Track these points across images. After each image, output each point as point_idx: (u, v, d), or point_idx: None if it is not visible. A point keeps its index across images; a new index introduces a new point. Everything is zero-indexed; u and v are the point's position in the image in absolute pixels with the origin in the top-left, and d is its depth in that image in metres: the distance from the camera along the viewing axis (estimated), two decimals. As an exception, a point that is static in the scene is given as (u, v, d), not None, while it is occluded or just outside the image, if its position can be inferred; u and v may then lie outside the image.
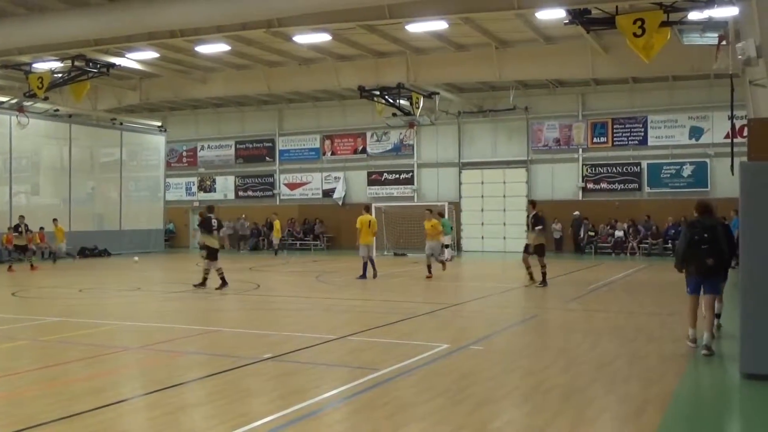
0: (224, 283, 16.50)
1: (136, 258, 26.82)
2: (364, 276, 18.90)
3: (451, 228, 27.06)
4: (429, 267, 19.44)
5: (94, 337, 10.62)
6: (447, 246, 25.28)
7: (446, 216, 26.78)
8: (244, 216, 35.57)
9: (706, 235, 8.93)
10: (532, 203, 18.41)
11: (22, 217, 24.56)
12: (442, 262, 20.38)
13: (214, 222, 16.76)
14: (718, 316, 10.36)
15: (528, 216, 17.77)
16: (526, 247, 17.41)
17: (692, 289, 9.34)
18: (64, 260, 27.36)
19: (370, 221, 19.13)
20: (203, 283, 16.50)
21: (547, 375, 7.99)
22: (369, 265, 19.01)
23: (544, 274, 17.03)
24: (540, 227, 17.10)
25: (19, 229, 24.20)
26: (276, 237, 30.61)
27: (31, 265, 23.65)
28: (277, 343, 9.91)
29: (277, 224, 30.51)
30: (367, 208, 19.92)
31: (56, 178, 30.60)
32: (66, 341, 10.22)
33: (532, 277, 17.12)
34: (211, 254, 16.59)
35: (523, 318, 12.85)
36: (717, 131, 28.78)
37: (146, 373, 8.43)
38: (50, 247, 27.47)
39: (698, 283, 9.25)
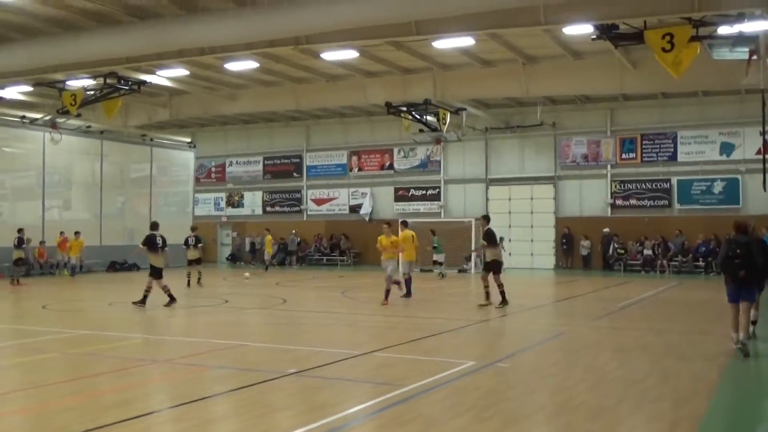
0: (172, 299, 16.15)
1: (247, 274, 26.30)
2: (409, 293, 17.81)
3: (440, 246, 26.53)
4: (387, 292, 16.71)
5: (122, 350, 10.72)
6: (441, 264, 25.09)
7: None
8: (294, 232, 35.50)
9: (739, 251, 10.15)
10: (485, 218, 17.25)
11: (21, 230, 24.16)
12: (398, 283, 17.52)
13: (159, 240, 16.35)
14: (755, 322, 11.39)
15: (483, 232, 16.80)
16: (486, 264, 16.79)
17: (732, 299, 10.46)
18: (80, 275, 27.58)
19: (413, 236, 18.37)
20: (143, 301, 15.92)
21: (575, 393, 7.87)
22: (410, 282, 18.11)
23: (502, 293, 16.10)
24: (486, 243, 16.33)
25: (23, 245, 23.71)
26: (267, 252, 30.43)
27: (17, 281, 23.02)
28: (303, 358, 9.91)
29: (268, 239, 30.29)
30: (406, 224, 19.13)
31: (88, 193, 31.09)
32: (94, 354, 10.32)
33: (488, 297, 16.13)
34: (154, 272, 16.21)
35: (550, 335, 12.71)
36: (748, 147, 28.39)
37: (173, 386, 8.47)
38: (65, 260, 27.76)
39: (737, 292, 10.35)
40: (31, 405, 7.38)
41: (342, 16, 17.01)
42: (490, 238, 16.29)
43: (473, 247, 27.14)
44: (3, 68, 22.52)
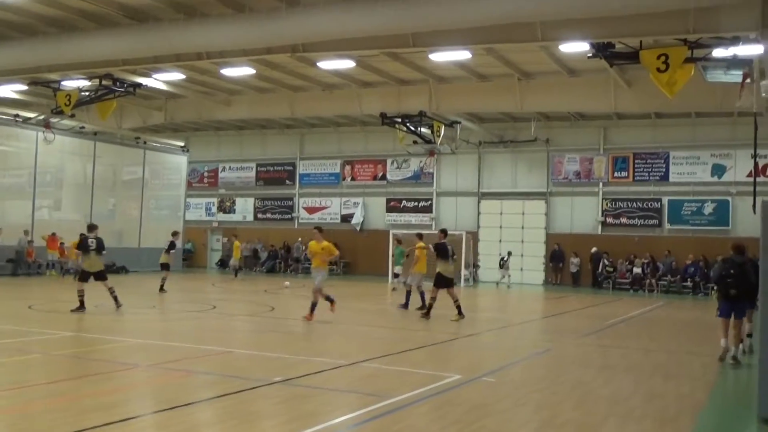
0: (81, 306, 15.39)
1: (287, 283, 25.93)
2: (427, 311, 16.50)
3: (405, 256, 24.83)
4: (314, 305, 15.20)
5: (107, 353, 10.64)
6: (397, 276, 24.87)
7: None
8: (300, 239, 35.02)
9: (732, 271, 10.94)
10: (441, 231, 16.98)
11: None
12: (330, 301, 15.54)
13: (91, 242, 15.89)
14: (750, 335, 12.01)
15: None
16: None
17: (722, 313, 11.24)
18: (68, 276, 27.44)
19: (426, 249, 17.99)
20: (81, 307, 15.39)
21: (560, 410, 7.86)
22: (410, 295, 17.94)
23: (430, 306, 15.96)
24: (436, 256, 16.08)
25: None
26: (235, 258, 29.93)
27: None
28: (289, 366, 9.86)
29: (236, 245, 29.92)
30: (420, 236, 18.75)
31: (78, 194, 30.95)
32: (79, 356, 10.24)
33: (426, 308, 16.06)
34: (83, 276, 15.89)
35: (538, 351, 12.71)
36: (740, 169, 28.56)
37: (157, 391, 8.41)
38: (54, 260, 27.67)
39: (729, 308, 11.11)
40: (13, 406, 7.30)
41: (339, 25, 17.08)
42: (440, 252, 16.02)
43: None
44: (-1, 66, 22.47)
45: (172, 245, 21.94)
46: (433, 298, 15.94)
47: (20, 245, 27.18)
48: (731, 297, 10.96)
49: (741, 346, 11.52)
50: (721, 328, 11.37)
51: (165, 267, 21.51)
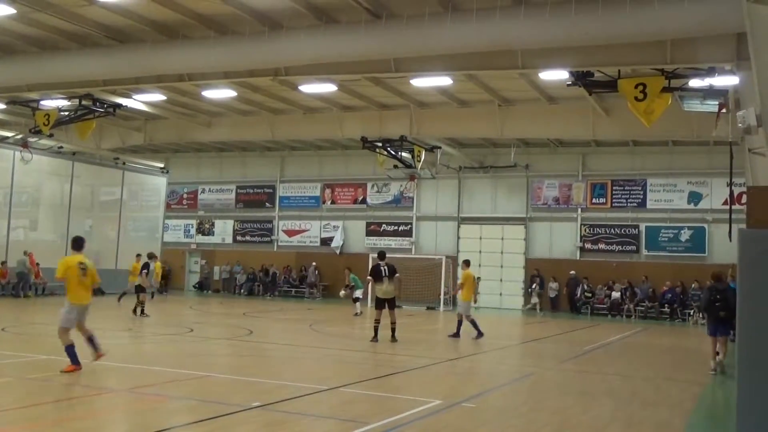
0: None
1: (359, 311, 24.44)
2: (457, 335, 17.64)
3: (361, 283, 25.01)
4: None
5: (82, 377, 10.46)
6: (358, 300, 24.71)
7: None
8: (314, 264, 34.59)
9: (718, 296, 12.97)
10: (379, 255, 17.07)
11: None
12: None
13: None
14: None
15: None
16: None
17: (710, 332, 13.48)
18: (42, 297, 27.11)
19: (474, 277, 18.27)
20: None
21: (540, 437, 7.84)
22: (464, 324, 17.79)
23: (374, 328, 16.14)
24: (371, 278, 16.36)
25: None
26: (155, 279, 29.05)
27: None
28: (267, 391, 9.76)
29: (157, 266, 28.99)
30: (468, 263, 18.71)
31: (55, 215, 30.60)
32: (52, 380, 10.06)
33: (375, 332, 16.14)
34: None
35: (517, 376, 12.70)
36: (716, 197, 28.94)
37: (132, 416, 8.27)
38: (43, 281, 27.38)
39: (715, 328, 13.25)
40: (-16, 431, 7.15)
41: (322, 50, 17.16)
42: (374, 274, 16.29)
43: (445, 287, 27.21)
44: (-24, 85, 22.28)
45: (146, 266, 21.41)
46: (377, 320, 16.16)
47: (23, 266, 26.82)
48: (719, 318, 12.91)
49: (718, 358, 13.37)
50: (711, 347, 13.49)
51: (140, 290, 20.79)
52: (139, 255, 28.37)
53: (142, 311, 20.42)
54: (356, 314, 24.00)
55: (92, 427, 7.51)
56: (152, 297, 27.81)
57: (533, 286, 30.55)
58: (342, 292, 26.11)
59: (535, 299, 30.14)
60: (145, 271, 21.24)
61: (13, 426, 7.39)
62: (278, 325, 21.49)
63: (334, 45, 16.91)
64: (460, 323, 17.90)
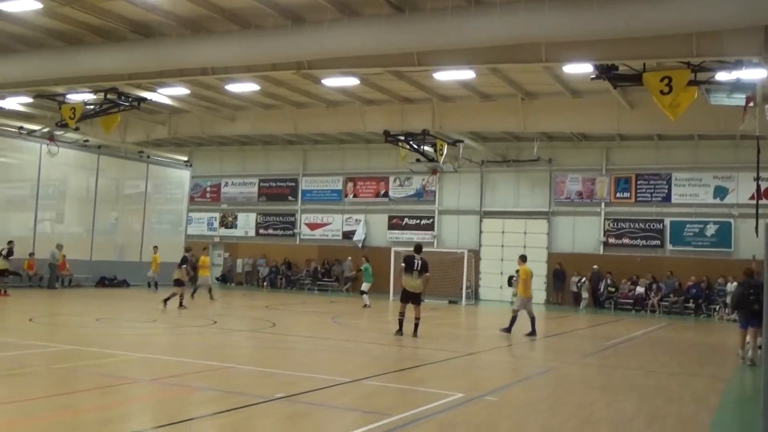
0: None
1: (367, 303, 24.32)
2: (509, 330, 17.25)
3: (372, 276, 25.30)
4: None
5: (107, 367, 10.60)
6: (365, 293, 24.65)
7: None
8: (349, 258, 34.33)
9: (751, 291, 13.51)
10: (415, 247, 16.35)
11: (11, 242, 23.92)
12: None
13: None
14: (761, 347, 13.16)
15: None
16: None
17: (742, 326, 14.08)
18: (68, 289, 27.52)
19: (531, 273, 17.68)
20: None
21: (563, 431, 7.81)
22: (515, 320, 17.38)
23: (399, 321, 15.86)
24: (403, 269, 15.77)
25: (3, 254, 23.29)
26: (153, 270, 28.69)
27: (4, 291, 22.62)
28: (290, 382, 9.82)
29: (157, 258, 28.84)
30: (524, 258, 18.10)
31: (81, 208, 30.97)
32: (79, 370, 10.20)
33: (399, 325, 15.84)
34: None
35: (540, 370, 12.65)
36: (742, 192, 28.58)
37: (157, 406, 8.37)
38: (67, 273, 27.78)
39: (746, 320, 13.77)
40: (12, 420, 7.26)
41: (345, 43, 17.17)
42: (406, 263, 15.75)
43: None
44: (5, 79, 22.58)
45: (184, 260, 21.32)
46: (401, 313, 15.83)
47: (53, 258, 27.21)
48: (753, 312, 13.25)
49: (750, 351, 13.79)
50: (740, 339, 14.13)
51: (179, 283, 20.75)
52: (156, 247, 28.84)
53: (181, 303, 20.40)
54: (365, 306, 24.02)
55: (118, 417, 7.61)
56: (155, 289, 28.11)
57: (582, 281, 29.87)
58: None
59: (585, 295, 29.44)
60: (185, 265, 21.12)
61: (42, 414, 7.51)
62: (301, 318, 21.60)
63: (357, 38, 16.91)
64: (514, 319, 17.33)
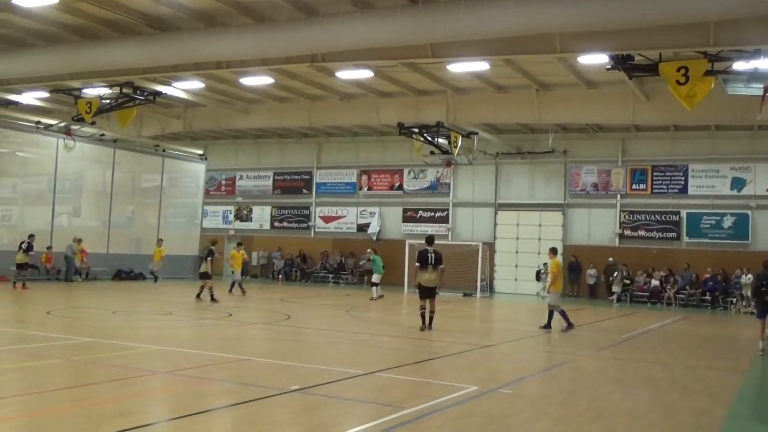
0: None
1: (374, 296, 24.52)
2: (548, 326, 16.89)
3: (383, 267, 25.46)
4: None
5: (125, 359, 10.70)
6: (375, 285, 24.66)
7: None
8: (369, 250, 34.27)
9: (764, 282, 14.09)
10: (427, 239, 16.05)
11: (32, 236, 24.08)
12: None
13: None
14: None
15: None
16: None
17: (759, 316, 14.47)
18: (86, 282, 27.79)
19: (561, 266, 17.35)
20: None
21: (578, 424, 7.80)
22: (552, 315, 17.06)
23: (429, 318, 15.60)
24: (418, 264, 15.58)
25: (24, 248, 23.45)
26: (155, 263, 28.99)
27: (23, 284, 22.80)
28: (305, 375, 9.87)
29: (162, 251, 29.12)
30: (555, 251, 17.68)
31: (98, 201, 31.23)
32: (96, 362, 10.31)
33: (422, 320, 15.63)
34: None
35: (555, 363, 12.63)
36: (760, 183, 28.34)
37: (173, 398, 8.44)
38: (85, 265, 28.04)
39: (763, 312, 14.17)
40: (31, 411, 7.36)
41: (358, 36, 17.17)
42: (420, 260, 15.60)
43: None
44: (22, 74, 22.79)
45: (210, 253, 21.21)
46: (422, 307, 15.68)
47: (70, 251, 27.46)
48: (765, 302, 13.98)
49: (761, 342, 14.09)
50: (760, 329, 14.32)
51: (205, 276, 20.73)
52: (161, 240, 29.16)
53: (212, 297, 20.31)
54: (372, 299, 24.02)
55: (135, 408, 7.69)
56: (156, 281, 28.31)
57: (615, 275, 29.36)
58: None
59: (617, 288, 28.99)
60: (210, 258, 21.08)
61: (61, 405, 7.60)
62: (316, 310, 21.67)
63: (371, 31, 16.90)
64: (551, 315, 17.05)
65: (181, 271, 33.35)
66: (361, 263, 34.01)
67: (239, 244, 25.59)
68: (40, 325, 14.49)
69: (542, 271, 29.59)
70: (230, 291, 23.75)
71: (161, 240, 29.74)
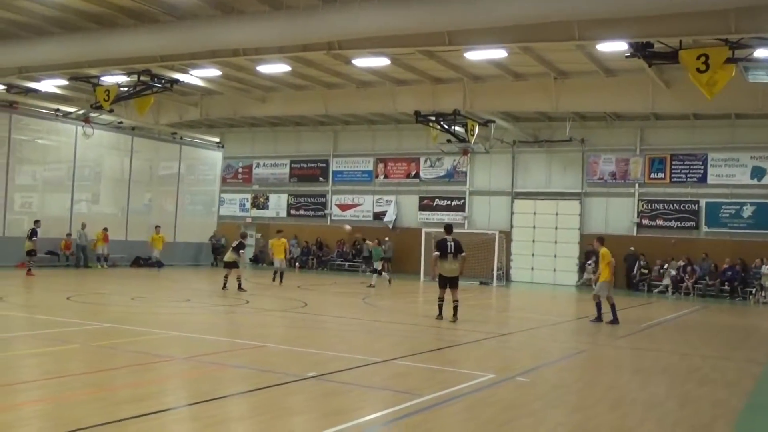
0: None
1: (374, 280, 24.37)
2: (599, 319, 16.40)
3: (382, 254, 25.70)
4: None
5: (143, 345, 10.81)
6: (380, 272, 24.64)
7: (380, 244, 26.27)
8: (387, 238, 33.79)
9: None
10: (445, 228, 15.72)
11: (37, 221, 24.21)
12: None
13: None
14: None
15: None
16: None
17: None
18: (105, 269, 28.05)
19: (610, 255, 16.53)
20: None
21: (594, 413, 7.79)
22: (601, 306, 16.55)
23: (439, 306, 15.45)
24: (438, 254, 15.27)
25: (28, 234, 23.66)
26: (156, 249, 29.30)
27: (28, 271, 22.87)
28: (322, 362, 9.92)
29: (162, 237, 29.48)
30: (602, 240, 16.96)
31: (116, 189, 31.45)
32: (115, 347, 10.42)
33: (439, 311, 15.42)
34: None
35: (572, 352, 12.60)
36: (780, 172, 28.00)
37: (191, 383, 8.52)
38: (104, 253, 28.31)
39: None
40: (50, 395, 7.46)
41: (375, 23, 17.11)
42: (440, 249, 15.28)
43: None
44: (40, 61, 22.94)
45: (241, 245, 20.78)
46: (440, 298, 15.48)
47: (82, 239, 27.70)
48: None
49: None
50: None
51: (232, 265, 20.49)
52: (158, 227, 29.47)
53: (239, 285, 20.07)
54: (370, 285, 23.99)
55: (152, 393, 7.77)
56: (159, 268, 28.47)
57: (664, 267, 28.87)
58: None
59: (667, 281, 28.50)
60: (242, 250, 20.88)
61: (80, 390, 7.70)
62: (332, 298, 21.75)
63: (388, 18, 16.83)
64: (599, 306, 16.47)
65: (198, 257, 33.59)
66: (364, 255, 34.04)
67: (279, 232, 25.05)
68: (59, 311, 14.66)
69: (590, 263, 28.67)
70: (273, 280, 23.62)
71: (159, 227, 29.92)
